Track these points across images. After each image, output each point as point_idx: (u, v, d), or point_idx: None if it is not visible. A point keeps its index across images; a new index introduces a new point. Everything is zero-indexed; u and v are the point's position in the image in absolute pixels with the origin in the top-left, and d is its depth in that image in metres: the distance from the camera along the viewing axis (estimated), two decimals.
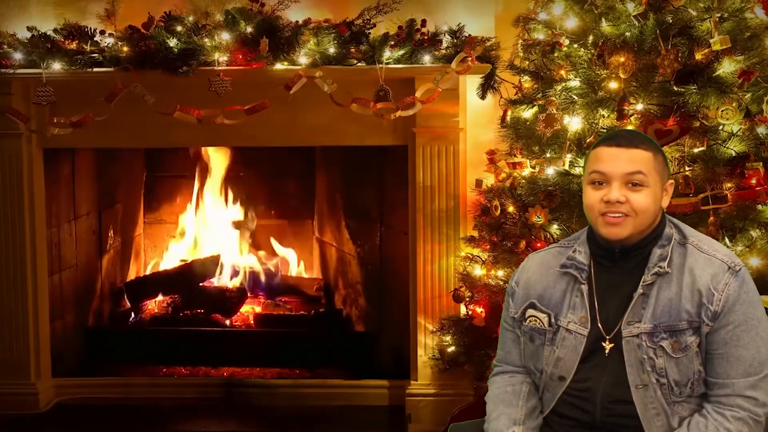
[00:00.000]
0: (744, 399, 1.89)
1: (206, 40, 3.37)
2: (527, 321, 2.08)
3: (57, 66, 3.42)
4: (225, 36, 3.38)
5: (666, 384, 1.93)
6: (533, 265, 2.15)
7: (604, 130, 2.77)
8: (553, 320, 2.04)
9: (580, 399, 2.00)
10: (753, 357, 1.90)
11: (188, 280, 4.46)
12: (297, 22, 3.44)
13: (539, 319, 2.05)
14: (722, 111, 2.65)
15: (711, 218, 2.63)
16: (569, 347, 2.01)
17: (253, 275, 4.58)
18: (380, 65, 3.34)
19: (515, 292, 2.14)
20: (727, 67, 2.68)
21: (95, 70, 3.42)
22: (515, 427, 2.03)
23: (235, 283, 4.53)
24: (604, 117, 2.82)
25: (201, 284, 4.48)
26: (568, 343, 2.01)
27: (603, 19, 2.86)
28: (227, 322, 4.33)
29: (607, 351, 1.98)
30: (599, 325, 1.99)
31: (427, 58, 3.41)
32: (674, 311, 1.93)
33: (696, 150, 2.70)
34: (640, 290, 1.97)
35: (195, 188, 4.65)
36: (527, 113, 3.12)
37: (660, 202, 2.00)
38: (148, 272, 4.67)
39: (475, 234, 3.38)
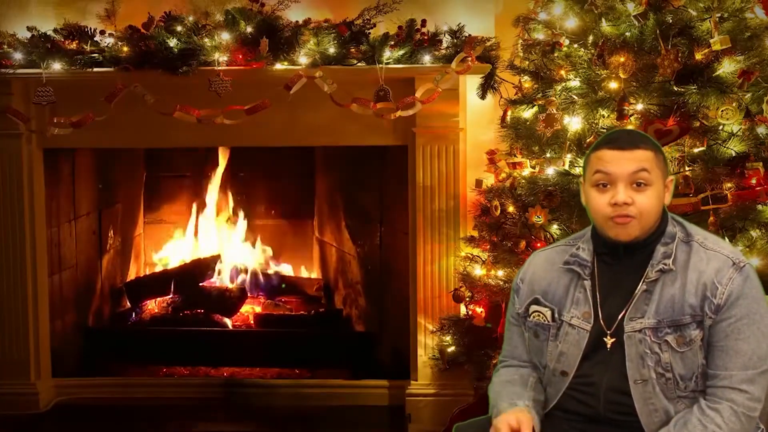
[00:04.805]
0: (738, 392, 1.89)
1: (206, 40, 3.37)
2: (531, 317, 2.09)
3: (57, 66, 3.42)
4: (225, 36, 3.38)
5: (672, 379, 1.93)
6: (538, 261, 2.16)
7: (604, 130, 2.76)
8: (556, 315, 2.05)
9: (584, 393, 2.00)
10: (753, 351, 1.90)
11: (188, 280, 4.46)
12: (297, 22, 3.44)
13: (543, 314, 2.06)
14: (722, 111, 2.65)
15: (711, 218, 2.63)
16: (572, 342, 2.02)
17: (254, 275, 4.59)
18: (380, 65, 3.34)
19: (520, 288, 2.15)
20: (727, 67, 2.68)
21: (95, 70, 3.42)
22: (519, 401, 2.02)
23: (235, 283, 4.53)
24: (604, 117, 2.82)
25: (201, 284, 4.48)
26: (570, 338, 2.02)
27: (603, 19, 2.86)
28: (228, 322, 4.33)
29: (608, 346, 1.99)
30: (601, 320, 2.00)
31: (427, 58, 3.41)
32: (678, 306, 1.94)
33: (696, 150, 2.70)
34: (643, 286, 1.98)
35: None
36: (527, 113, 3.12)
37: (662, 199, 2.01)
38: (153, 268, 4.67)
39: (475, 234, 3.38)
